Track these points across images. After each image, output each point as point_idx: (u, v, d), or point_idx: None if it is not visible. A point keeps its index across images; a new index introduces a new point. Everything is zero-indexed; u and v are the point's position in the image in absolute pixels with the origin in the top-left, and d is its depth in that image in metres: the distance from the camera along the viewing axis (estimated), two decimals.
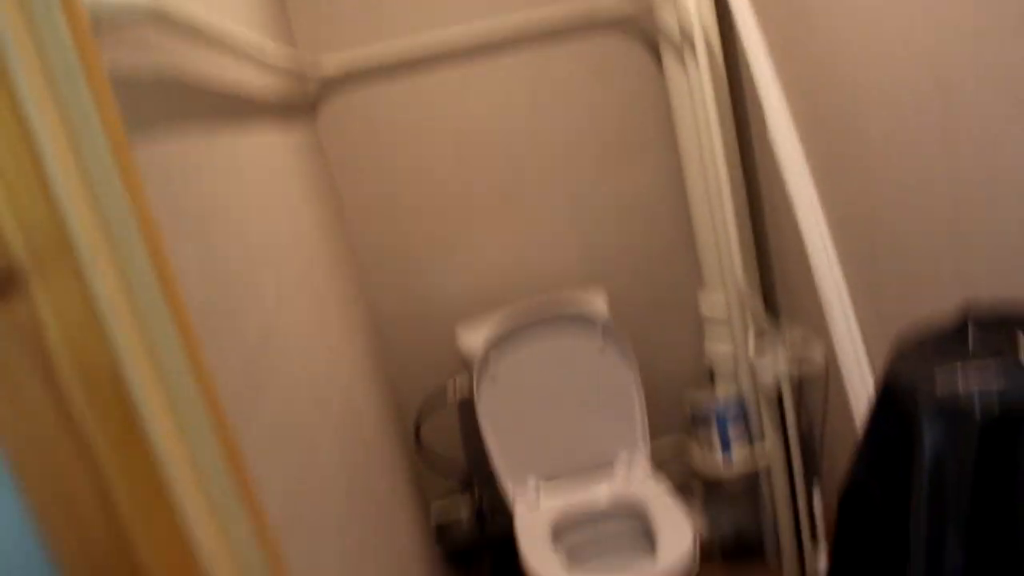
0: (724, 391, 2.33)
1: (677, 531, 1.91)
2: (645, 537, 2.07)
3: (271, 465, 0.82)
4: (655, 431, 2.42)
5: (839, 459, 2.05)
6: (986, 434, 0.96)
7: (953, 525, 0.99)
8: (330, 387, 1.37)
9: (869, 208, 1.62)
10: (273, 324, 1.04)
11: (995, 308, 1.18)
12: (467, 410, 2.43)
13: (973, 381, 1.00)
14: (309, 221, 1.65)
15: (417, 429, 2.38)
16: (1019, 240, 1.21)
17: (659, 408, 2.46)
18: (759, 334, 2.20)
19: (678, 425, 2.55)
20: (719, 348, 2.34)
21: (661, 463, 2.52)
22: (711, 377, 2.44)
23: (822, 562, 1.97)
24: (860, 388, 1.73)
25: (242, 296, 0.93)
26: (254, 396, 0.82)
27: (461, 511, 2.51)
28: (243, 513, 0.57)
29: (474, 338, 2.23)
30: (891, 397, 1.11)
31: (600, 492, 2.17)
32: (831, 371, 1.98)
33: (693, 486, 2.57)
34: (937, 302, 1.45)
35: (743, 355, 2.25)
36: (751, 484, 2.43)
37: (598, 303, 2.25)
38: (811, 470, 2.22)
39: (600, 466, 2.25)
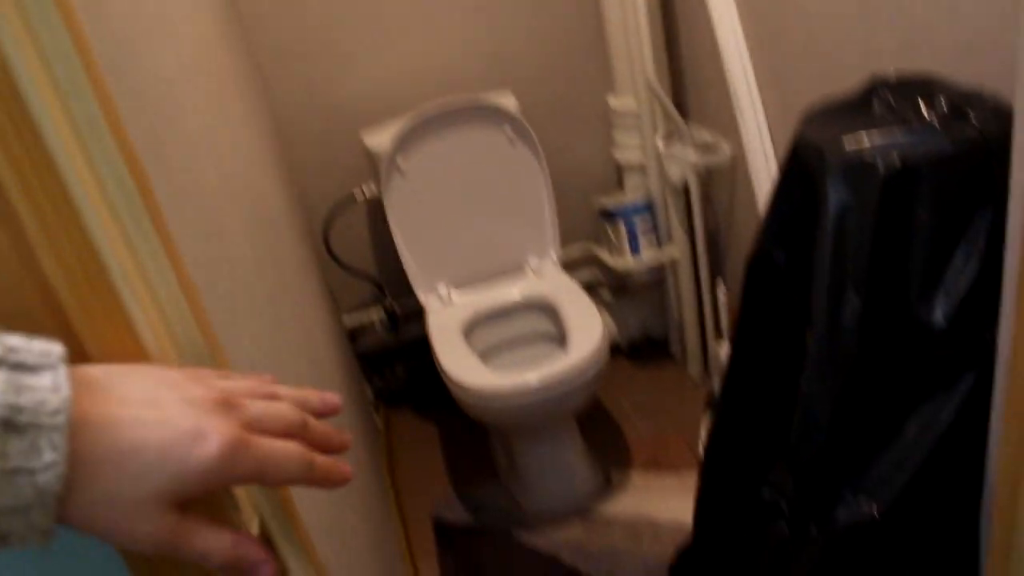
0: (633, 191, 2.35)
1: (587, 325, 1.96)
2: (556, 333, 2.13)
3: (180, 224, 0.79)
4: (566, 238, 2.44)
5: (744, 257, 2.12)
6: (888, 186, 0.99)
7: (853, 277, 1.04)
8: (237, 177, 1.33)
9: None
10: (175, 83, 0.99)
11: (900, 79, 1.19)
12: (378, 216, 2.40)
13: (877, 140, 1.03)
14: (207, 17, 1.55)
15: (326, 235, 2.35)
16: (925, 13, 1.22)
17: (570, 214, 2.47)
18: (668, 134, 2.20)
19: (588, 231, 2.58)
20: (628, 147, 2.34)
21: (571, 267, 2.55)
22: (620, 180, 2.46)
23: (723, 352, 2.07)
24: (766, 182, 1.76)
25: (142, 53, 0.88)
26: (158, 148, 0.78)
27: (373, 317, 2.53)
28: (156, 242, 0.55)
29: (381, 137, 2.17)
30: (797, 161, 1.13)
31: (511, 291, 2.20)
32: (738, 167, 2.02)
33: (602, 287, 2.64)
34: (846, 85, 1.47)
35: (652, 153, 2.26)
36: (658, 283, 2.50)
37: (507, 102, 2.21)
38: (717, 267, 2.29)
39: (511, 270, 2.28)
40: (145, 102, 0.79)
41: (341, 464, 0.50)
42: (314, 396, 0.53)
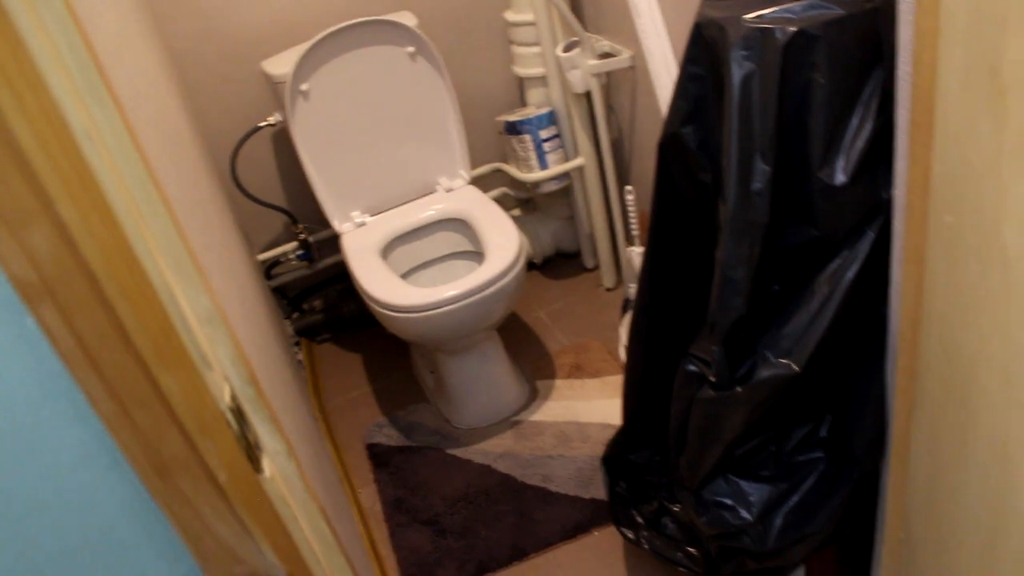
0: (534, 101, 2.38)
1: (503, 236, 2.00)
2: (473, 247, 2.16)
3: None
4: (475, 160, 2.45)
5: (650, 162, 2.17)
6: (787, 52, 1.05)
7: (760, 145, 1.10)
8: (142, 93, 1.30)
9: None
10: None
11: None
12: (286, 146, 2.37)
13: (775, 12, 1.08)
14: None
15: (234, 169, 2.31)
16: None
17: (477, 135, 2.49)
18: (568, 47, 2.23)
19: (496, 152, 2.60)
20: (528, 61, 2.36)
21: (481, 186, 2.57)
22: (523, 97, 2.48)
23: (634, 255, 2.13)
24: (668, 85, 1.81)
25: None
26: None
27: (287, 251, 2.51)
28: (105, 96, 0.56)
29: (283, 65, 2.14)
30: (700, 40, 1.17)
31: (425, 210, 2.22)
32: (639, 72, 2.06)
33: (513, 204, 2.68)
34: None
35: (552, 63, 2.29)
36: (567, 194, 2.55)
37: (408, 21, 2.19)
38: (623, 173, 2.34)
39: (424, 191, 2.29)
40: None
41: None
42: None
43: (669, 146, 1.28)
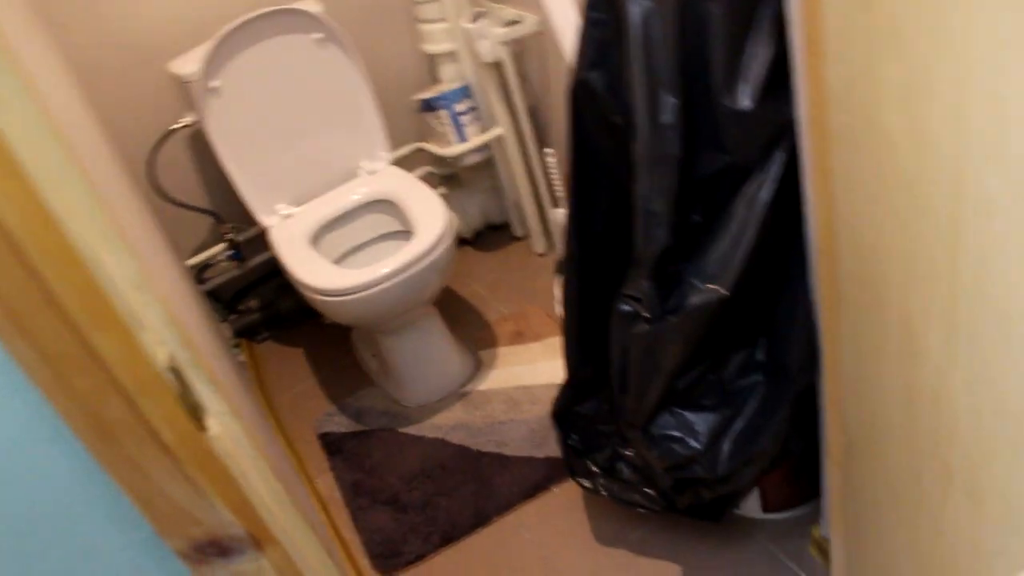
0: (447, 76, 2.39)
1: (429, 211, 2.01)
2: (402, 227, 2.16)
3: None
4: (394, 142, 2.45)
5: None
6: None
7: (664, 79, 1.13)
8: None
9: None
10: None
11: None
12: (202, 146, 2.34)
13: None
14: None
15: (152, 175, 2.27)
16: None
17: (393, 118, 2.48)
18: (474, 17, 2.24)
19: (415, 132, 2.60)
20: (436, 37, 2.37)
21: (403, 167, 2.57)
22: (435, 74, 2.49)
23: (561, 217, 2.16)
24: (572, 38, 1.83)
25: None
26: None
27: (217, 253, 2.48)
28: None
29: (190, 64, 2.11)
30: None
31: (350, 195, 2.22)
32: (547, 37, 2.08)
33: (437, 182, 2.68)
34: None
35: (460, 36, 2.30)
36: (489, 165, 2.57)
37: (312, 7, 2.18)
38: (542, 138, 2.37)
39: (347, 178, 2.28)
40: None
41: None
42: None
43: (579, 93, 1.30)
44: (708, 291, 1.22)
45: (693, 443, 1.38)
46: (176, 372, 0.65)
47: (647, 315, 1.28)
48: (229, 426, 0.70)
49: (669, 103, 1.14)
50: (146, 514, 0.65)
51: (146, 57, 2.23)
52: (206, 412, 0.68)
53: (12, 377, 0.57)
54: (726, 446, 1.38)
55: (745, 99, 1.13)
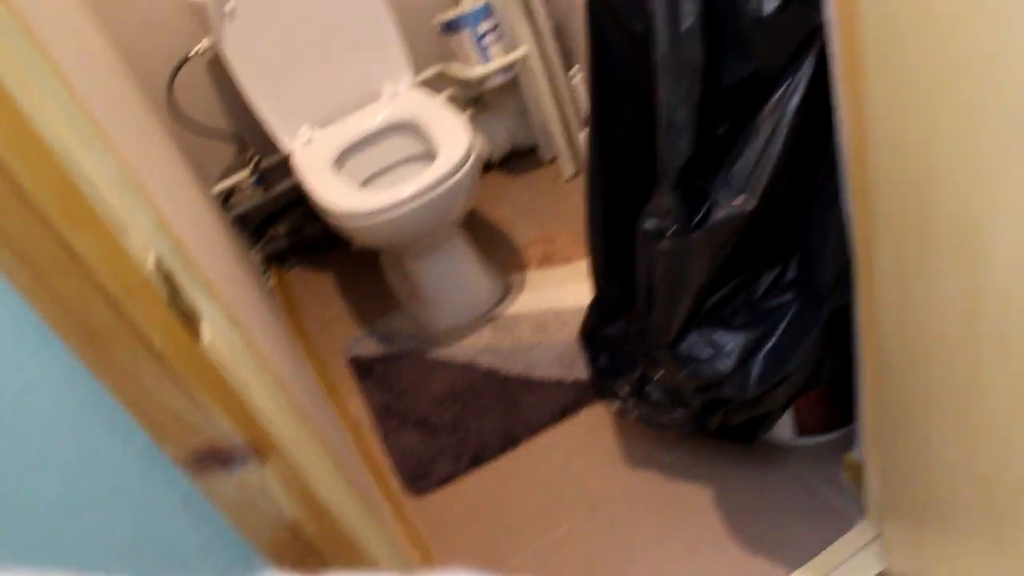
0: (470, 0, 2.32)
1: (452, 132, 1.97)
2: (426, 150, 2.12)
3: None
4: (417, 66, 2.40)
5: None
6: None
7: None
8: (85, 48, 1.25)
9: None
10: None
11: None
12: (221, 71, 2.31)
13: None
14: None
15: (172, 102, 2.25)
16: None
17: (416, 42, 2.42)
18: None
19: (437, 56, 2.54)
20: None
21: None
22: None
23: None
24: None
25: None
26: None
27: (241, 178, 2.47)
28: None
29: None
30: None
31: (373, 118, 2.18)
32: None
33: (461, 106, 2.63)
34: None
35: None
36: (514, 87, 2.51)
37: None
38: (568, 57, 2.30)
39: (369, 100, 2.24)
40: None
41: None
42: None
43: (597, 1, 1.24)
44: (734, 205, 1.17)
45: (722, 363, 1.34)
46: (167, 277, 0.63)
47: (672, 230, 1.24)
48: (225, 333, 0.68)
49: (690, 7, 1.08)
50: (141, 422, 0.63)
51: None
52: (200, 318, 0.66)
53: None
54: (756, 367, 1.34)
55: (770, 2, 1.07)
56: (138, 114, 1.56)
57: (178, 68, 2.21)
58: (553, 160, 2.61)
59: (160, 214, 0.66)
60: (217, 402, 0.65)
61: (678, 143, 1.16)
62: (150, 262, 0.61)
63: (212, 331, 0.66)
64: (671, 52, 1.12)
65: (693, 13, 1.09)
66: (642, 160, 1.32)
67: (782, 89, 1.14)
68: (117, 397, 0.62)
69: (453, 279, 2.12)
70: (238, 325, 0.72)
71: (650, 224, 1.29)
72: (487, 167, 2.64)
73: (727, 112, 1.19)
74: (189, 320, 0.63)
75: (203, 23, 2.12)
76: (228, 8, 2.01)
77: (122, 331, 0.59)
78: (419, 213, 1.83)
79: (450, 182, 1.84)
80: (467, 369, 2.04)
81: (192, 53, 2.17)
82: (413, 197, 1.80)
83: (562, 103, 2.38)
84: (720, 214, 1.19)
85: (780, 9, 1.07)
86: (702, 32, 1.11)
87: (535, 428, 1.84)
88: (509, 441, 1.83)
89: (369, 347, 2.22)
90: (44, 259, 0.55)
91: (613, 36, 1.28)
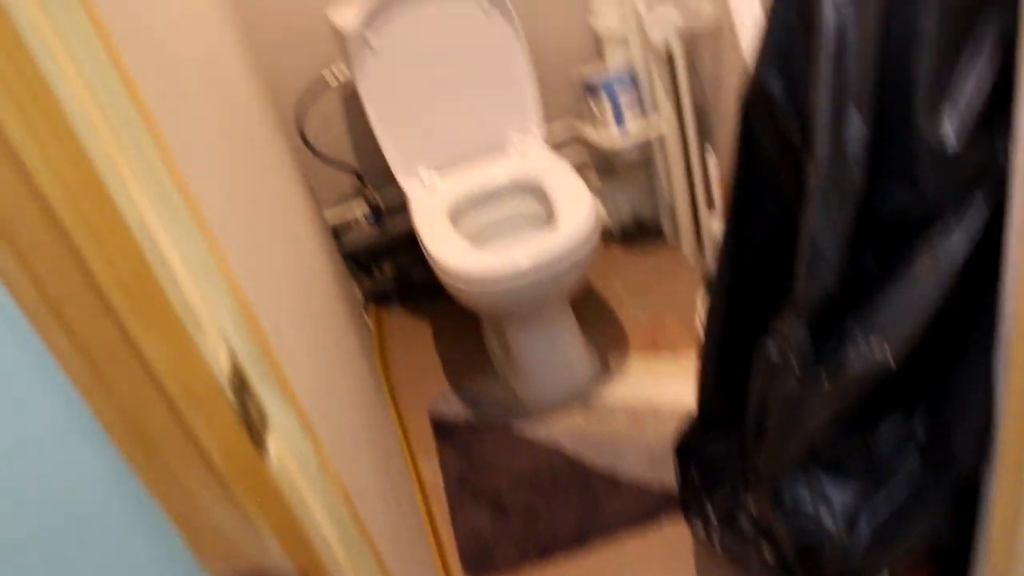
0: (613, 60, 2.26)
1: (576, 202, 1.89)
2: (545, 213, 2.06)
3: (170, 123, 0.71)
4: (547, 116, 2.34)
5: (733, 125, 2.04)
6: None
7: (855, 95, 0.97)
8: (206, 63, 1.23)
9: None
10: None
11: None
12: (353, 102, 2.30)
13: None
14: None
15: (300, 123, 2.25)
16: None
17: (550, 90, 2.37)
18: (649, 2, 2.10)
19: (571, 108, 2.48)
20: (606, 12, 2.24)
21: (555, 148, 2.47)
22: (599, 50, 2.35)
23: (716, 226, 2.01)
24: (753, 36, 1.67)
25: None
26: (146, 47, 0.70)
27: (356, 212, 2.45)
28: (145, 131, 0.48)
29: (349, 14, 2.06)
30: None
31: (496, 172, 2.13)
32: (724, 31, 1.92)
33: (589, 170, 2.56)
34: None
35: (631, 16, 2.16)
36: (646, 162, 2.43)
37: None
38: (705, 138, 2.21)
39: (494, 150, 2.19)
40: None
41: None
42: None
43: (753, 98, 1.15)
44: (872, 351, 1.05)
45: (828, 521, 1.21)
46: (239, 381, 0.57)
47: (797, 371, 1.12)
48: (297, 447, 0.61)
49: (856, 125, 0.98)
50: (184, 535, 0.57)
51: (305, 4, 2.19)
52: (269, 428, 0.59)
53: (41, 360, 0.49)
54: (865, 531, 1.20)
55: (949, 129, 0.96)
56: (260, 139, 1.54)
57: (311, 90, 2.22)
58: (675, 240, 2.51)
59: (244, 304, 0.60)
60: (271, 525, 0.58)
61: (819, 273, 1.06)
62: (223, 363, 0.55)
63: (281, 443, 0.59)
64: (828, 170, 1.02)
65: (859, 129, 0.99)
66: (776, 273, 1.21)
67: (948, 230, 1.02)
68: (162, 506, 0.55)
69: (551, 354, 2.03)
70: (312, 434, 0.65)
71: (774, 353, 1.18)
72: (605, 239, 2.56)
73: (878, 244, 1.07)
74: (256, 430, 0.57)
75: (342, 49, 2.11)
76: (370, 40, 2.00)
77: (178, 439, 0.53)
78: (532, 288, 1.76)
79: (567, 259, 1.76)
80: (551, 453, 1.94)
81: (329, 79, 2.17)
82: (530, 270, 1.73)
83: (693, 185, 2.28)
84: (857, 367, 1.06)
85: (960, 136, 0.96)
86: (867, 152, 1.00)
87: (611, 530, 1.73)
88: (581, 538, 1.72)
89: (454, 407, 2.15)
90: (105, 352, 0.49)
91: (764, 137, 1.18)
